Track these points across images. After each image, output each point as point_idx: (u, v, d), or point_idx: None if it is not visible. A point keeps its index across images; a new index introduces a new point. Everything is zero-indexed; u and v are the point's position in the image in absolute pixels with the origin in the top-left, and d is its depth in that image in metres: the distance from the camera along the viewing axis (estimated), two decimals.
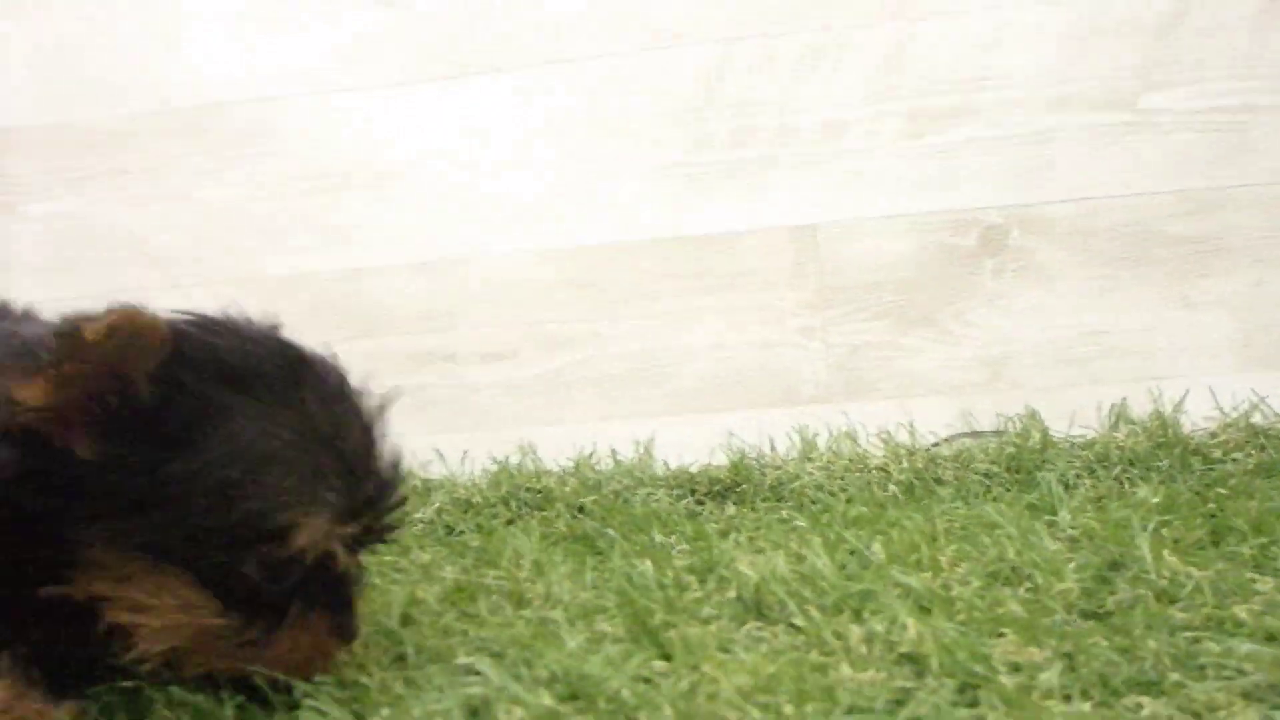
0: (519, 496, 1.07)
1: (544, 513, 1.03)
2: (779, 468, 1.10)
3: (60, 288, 1.27)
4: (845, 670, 0.55)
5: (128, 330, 0.50)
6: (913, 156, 1.15)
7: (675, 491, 1.07)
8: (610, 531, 0.92)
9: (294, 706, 0.56)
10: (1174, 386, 1.09)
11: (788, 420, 1.15)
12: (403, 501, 0.60)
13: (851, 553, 0.79)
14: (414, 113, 1.23)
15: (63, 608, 0.54)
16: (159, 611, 0.53)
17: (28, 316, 0.72)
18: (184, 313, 0.56)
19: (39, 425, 0.51)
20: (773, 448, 1.14)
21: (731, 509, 1.02)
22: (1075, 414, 1.09)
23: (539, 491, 1.07)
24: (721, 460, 1.11)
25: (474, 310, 1.19)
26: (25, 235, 1.29)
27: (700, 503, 1.06)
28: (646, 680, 0.56)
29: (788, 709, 0.51)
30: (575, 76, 1.20)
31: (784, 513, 0.98)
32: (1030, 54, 1.14)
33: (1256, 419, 1.05)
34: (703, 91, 1.18)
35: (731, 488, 1.07)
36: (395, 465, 0.60)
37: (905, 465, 1.06)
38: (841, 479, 1.05)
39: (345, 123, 1.24)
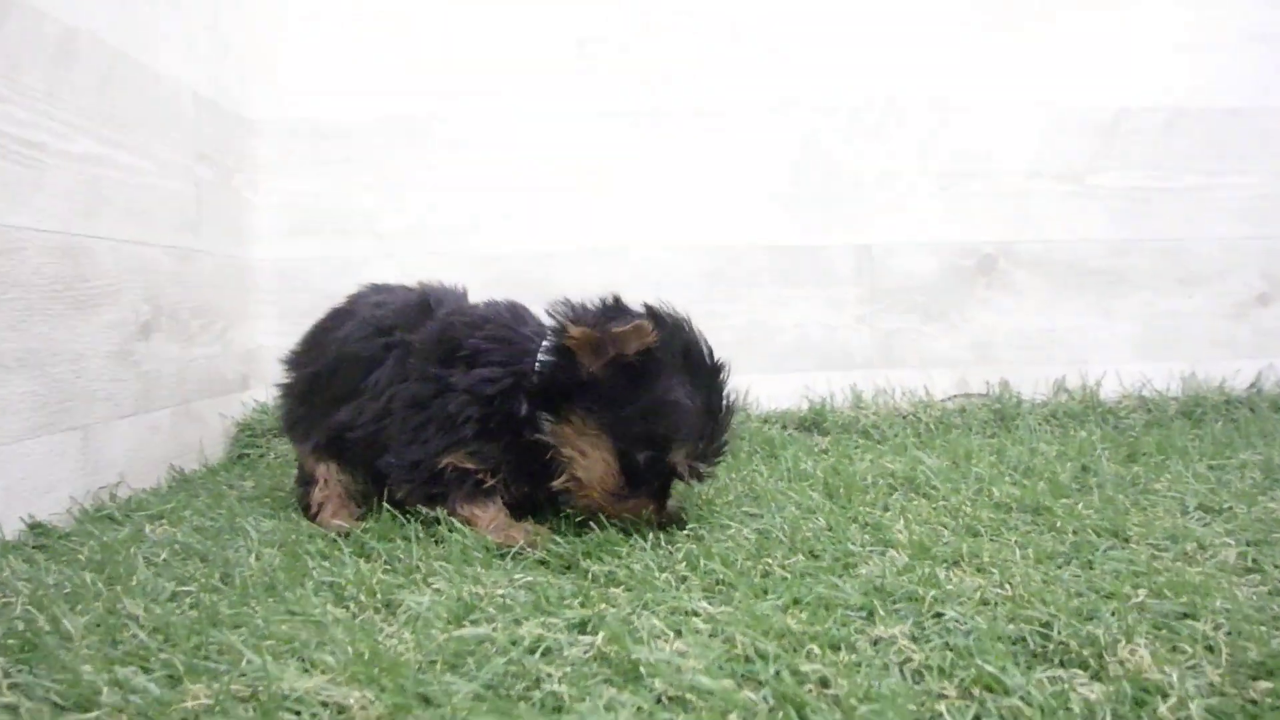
0: None
1: None
2: (841, 411, 1.58)
3: (296, 249, 1.58)
4: (967, 510, 1.03)
5: (636, 332, 0.88)
6: (938, 203, 1.65)
7: (774, 425, 1.54)
8: (755, 449, 1.37)
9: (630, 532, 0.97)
10: (1095, 369, 1.65)
11: (844, 380, 1.62)
12: (725, 452, 0.99)
13: (920, 463, 1.27)
14: (592, 135, 1.61)
15: (535, 451, 0.93)
16: (589, 457, 0.92)
17: (464, 294, 1.08)
18: (665, 310, 0.94)
19: (573, 347, 0.91)
20: (832, 399, 1.62)
21: (819, 438, 1.50)
22: (1034, 384, 1.63)
23: None
24: (803, 406, 1.58)
25: (628, 287, 1.59)
26: (264, 207, 1.56)
27: (791, 435, 1.52)
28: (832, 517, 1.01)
29: (938, 533, 0.98)
30: (719, 127, 1.61)
31: (859, 440, 1.46)
32: (1019, 142, 1.66)
33: (1145, 392, 1.62)
34: (803, 147, 1.63)
35: (815, 424, 1.54)
36: (730, 427, 0.98)
37: (925, 414, 1.57)
38: (886, 421, 1.55)
39: (532, 139, 1.60)
